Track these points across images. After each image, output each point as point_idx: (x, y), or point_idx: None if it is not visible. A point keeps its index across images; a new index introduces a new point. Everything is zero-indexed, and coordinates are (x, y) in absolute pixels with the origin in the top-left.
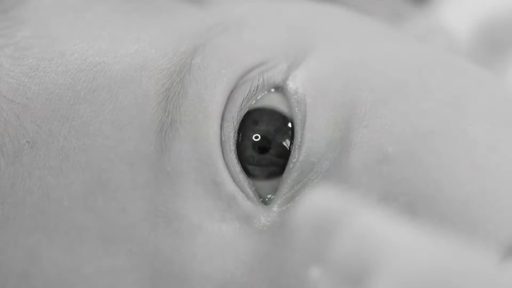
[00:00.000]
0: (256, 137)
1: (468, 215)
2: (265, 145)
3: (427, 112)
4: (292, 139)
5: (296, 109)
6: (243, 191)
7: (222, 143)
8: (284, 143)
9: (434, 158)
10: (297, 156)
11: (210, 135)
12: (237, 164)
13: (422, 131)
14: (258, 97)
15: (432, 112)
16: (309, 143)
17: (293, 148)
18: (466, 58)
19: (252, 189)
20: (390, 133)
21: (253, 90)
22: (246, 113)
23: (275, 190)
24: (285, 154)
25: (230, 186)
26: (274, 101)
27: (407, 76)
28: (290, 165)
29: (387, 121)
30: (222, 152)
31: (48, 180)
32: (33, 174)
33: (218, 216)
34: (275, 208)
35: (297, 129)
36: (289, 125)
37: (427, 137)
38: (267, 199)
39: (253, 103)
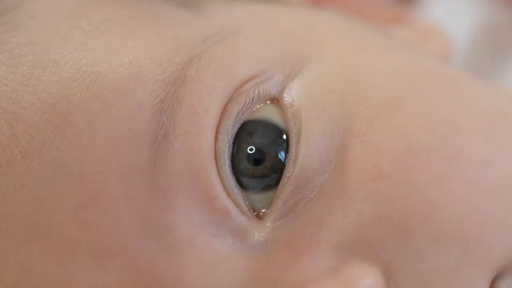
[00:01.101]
0: (251, 149)
1: (463, 234)
2: (259, 157)
3: (423, 127)
4: (287, 151)
5: (292, 122)
6: (237, 205)
7: (216, 156)
8: (279, 156)
9: (429, 175)
10: (291, 170)
11: (204, 149)
12: (231, 178)
13: (417, 147)
14: (254, 109)
15: (427, 128)
16: (303, 158)
17: (287, 162)
18: (463, 61)
19: (246, 203)
20: (385, 150)
21: (249, 103)
22: (241, 125)
23: (269, 203)
24: (280, 167)
25: (224, 200)
26: (269, 113)
27: (403, 90)
28: (284, 180)
29: (383, 137)
30: (217, 166)
31: (41, 191)
32: (25, 185)
33: (211, 231)
34: (268, 223)
35: (292, 143)
36: (284, 137)
37: (423, 154)
38: (261, 213)
39: (248, 115)
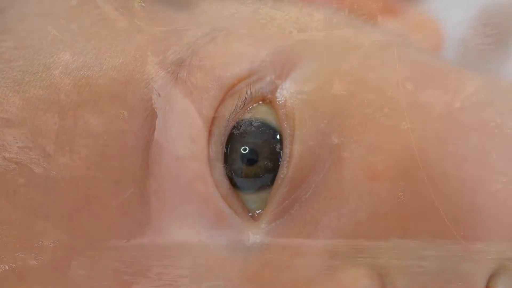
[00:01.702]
0: (245, 149)
1: (459, 233)
2: (253, 157)
3: (417, 127)
4: (281, 149)
5: (285, 123)
6: (231, 207)
7: (209, 158)
8: (273, 156)
9: (424, 174)
10: (285, 171)
11: (197, 151)
12: (225, 180)
13: (411, 147)
14: (246, 110)
15: (421, 127)
16: (297, 159)
17: (281, 163)
18: (462, 52)
19: (241, 204)
20: (380, 149)
21: (241, 104)
22: (233, 125)
23: (264, 204)
24: (274, 167)
25: (218, 202)
26: (262, 114)
27: (396, 88)
28: (278, 180)
29: (377, 136)
30: (210, 168)
31: (34, 197)
32: (18, 191)
33: (205, 234)
34: (263, 224)
35: (286, 144)
36: (278, 137)
37: (417, 153)
38: (256, 214)
39: (241, 116)
